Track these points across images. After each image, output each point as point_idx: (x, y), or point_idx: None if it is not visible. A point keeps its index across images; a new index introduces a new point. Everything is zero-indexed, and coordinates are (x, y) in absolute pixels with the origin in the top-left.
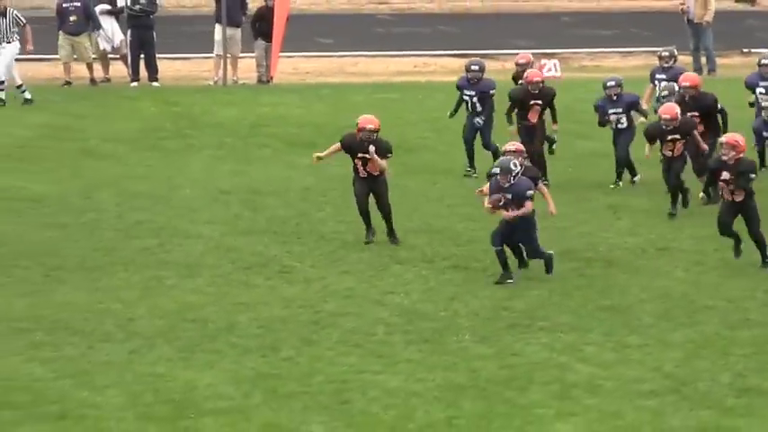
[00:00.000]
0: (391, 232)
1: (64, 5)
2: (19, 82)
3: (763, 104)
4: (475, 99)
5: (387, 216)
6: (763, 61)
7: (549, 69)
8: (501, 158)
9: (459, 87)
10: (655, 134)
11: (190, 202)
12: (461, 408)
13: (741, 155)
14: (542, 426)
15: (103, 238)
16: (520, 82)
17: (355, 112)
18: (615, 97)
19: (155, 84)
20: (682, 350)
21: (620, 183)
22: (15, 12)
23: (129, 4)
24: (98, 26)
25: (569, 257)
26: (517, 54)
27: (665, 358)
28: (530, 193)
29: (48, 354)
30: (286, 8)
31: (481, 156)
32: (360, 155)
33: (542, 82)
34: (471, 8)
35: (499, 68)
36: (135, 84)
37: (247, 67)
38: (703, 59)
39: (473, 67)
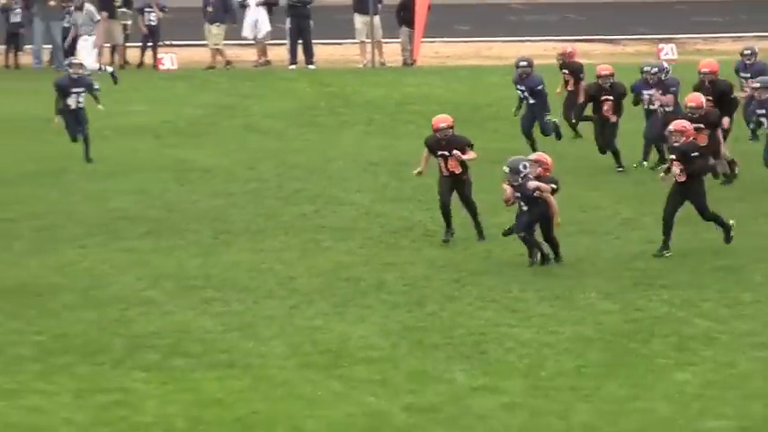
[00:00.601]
0: (478, 228)
1: None
2: (98, 65)
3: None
4: (526, 93)
5: (473, 214)
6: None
7: (665, 53)
8: (512, 158)
9: (515, 83)
10: None
11: (342, 173)
12: (588, 358)
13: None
14: (662, 374)
15: (266, 204)
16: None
17: (490, 91)
18: (651, 81)
19: (311, 66)
20: None
21: (645, 163)
22: (92, 8)
23: None
24: (233, 18)
25: (687, 223)
26: (636, 38)
27: None
28: (536, 193)
29: (217, 309)
30: None
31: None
32: (439, 153)
33: (612, 76)
34: None
35: (620, 51)
36: (293, 66)
37: (393, 52)
38: None
39: (521, 63)
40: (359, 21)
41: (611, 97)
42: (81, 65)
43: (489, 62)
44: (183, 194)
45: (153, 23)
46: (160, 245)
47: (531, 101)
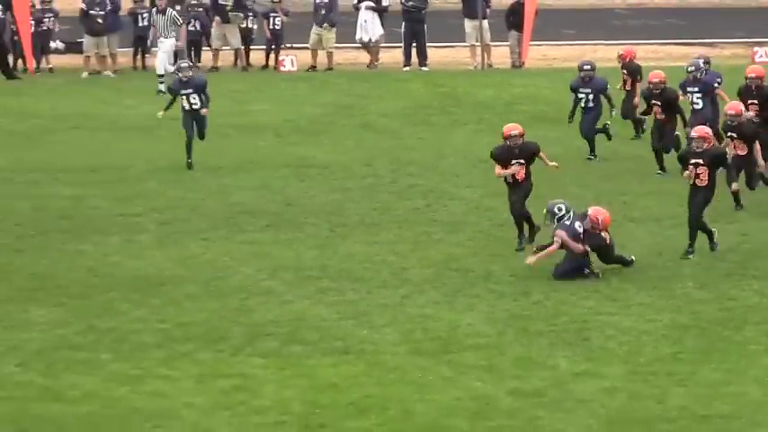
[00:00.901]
0: (531, 233)
1: (317, 1)
2: (161, 72)
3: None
4: (590, 96)
5: (526, 220)
6: (585, 67)
7: (760, 56)
8: (552, 202)
9: (574, 89)
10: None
11: (453, 169)
12: (685, 344)
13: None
14: (754, 360)
15: (380, 199)
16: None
17: None
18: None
19: (424, 68)
20: None
21: None
22: (174, 12)
23: (403, 0)
24: (336, 21)
25: None
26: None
27: None
28: (556, 239)
29: (333, 298)
30: (535, 3)
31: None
32: (513, 162)
33: (663, 83)
34: (695, 3)
35: (717, 53)
36: (407, 68)
37: (502, 54)
38: None
39: (585, 67)
40: (468, 25)
41: (659, 102)
42: (189, 67)
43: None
44: (301, 189)
45: (278, 28)
46: (279, 237)
47: (592, 104)
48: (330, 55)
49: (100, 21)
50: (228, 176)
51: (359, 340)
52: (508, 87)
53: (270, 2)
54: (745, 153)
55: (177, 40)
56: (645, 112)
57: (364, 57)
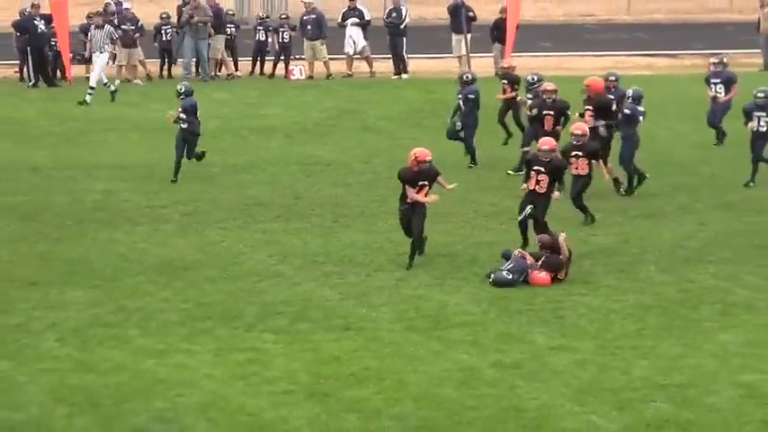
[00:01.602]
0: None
1: (304, 18)
2: (105, 80)
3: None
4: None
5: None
6: (758, 94)
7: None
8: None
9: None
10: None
11: (443, 167)
12: (647, 322)
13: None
14: (709, 335)
15: (378, 193)
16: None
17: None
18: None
19: (404, 76)
20: None
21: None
22: (110, 28)
23: (384, 17)
24: (325, 35)
25: (730, 209)
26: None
27: None
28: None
29: (335, 280)
30: (516, 19)
31: None
32: (535, 168)
33: (555, 92)
34: (659, 19)
35: (679, 64)
36: (396, 77)
37: (486, 64)
38: None
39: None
40: (455, 39)
41: (551, 112)
42: (184, 90)
43: (568, 73)
44: (308, 184)
45: (287, 41)
46: (288, 227)
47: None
48: (327, 64)
49: (130, 34)
50: (243, 173)
51: (359, 318)
52: (491, 94)
53: (279, 18)
54: (586, 173)
55: (108, 54)
56: (533, 120)
57: (362, 67)
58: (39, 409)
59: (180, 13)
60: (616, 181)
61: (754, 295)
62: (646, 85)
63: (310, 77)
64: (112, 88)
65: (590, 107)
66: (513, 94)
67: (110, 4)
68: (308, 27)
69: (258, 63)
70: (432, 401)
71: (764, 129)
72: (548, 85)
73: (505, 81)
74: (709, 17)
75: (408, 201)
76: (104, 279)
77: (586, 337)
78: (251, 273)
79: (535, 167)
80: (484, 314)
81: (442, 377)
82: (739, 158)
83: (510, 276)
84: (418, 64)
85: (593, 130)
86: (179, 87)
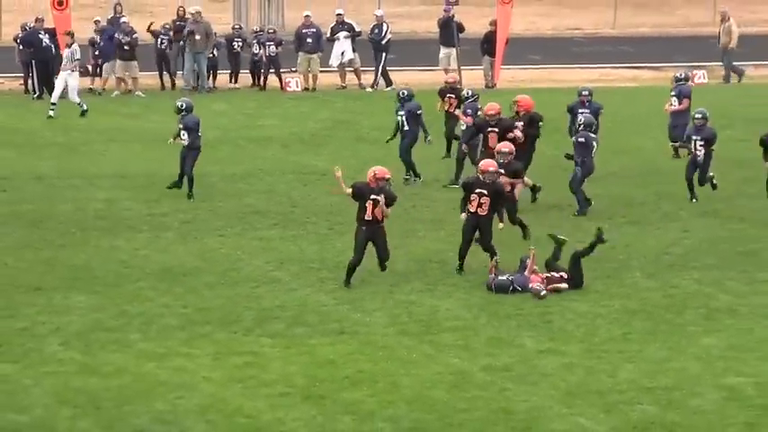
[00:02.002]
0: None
1: (303, 31)
2: (77, 100)
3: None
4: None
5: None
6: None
7: (699, 77)
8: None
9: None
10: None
11: (435, 175)
12: (633, 326)
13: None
14: (693, 339)
15: None
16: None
17: (557, 108)
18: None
19: (388, 88)
20: None
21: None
22: (76, 47)
23: (369, 32)
24: (322, 48)
25: (715, 215)
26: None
27: None
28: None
29: (331, 286)
30: (506, 32)
31: None
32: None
33: (498, 114)
34: (643, 32)
35: (662, 76)
36: (388, 88)
37: (476, 76)
38: None
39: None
40: (443, 51)
41: (496, 129)
42: (184, 107)
43: (556, 85)
44: (304, 193)
45: (273, 54)
46: (285, 234)
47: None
48: (315, 77)
49: (127, 48)
50: (241, 182)
51: (353, 323)
52: (482, 105)
53: (266, 32)
54: (508, 190)
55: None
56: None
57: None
58: (43, 411)
59: (175, 28)
60: (534, 188)
61: (737, 300)
62: (631, 96)
63: (306, 89)
64: (84, 107)
65: (521, 122)
66: (453, 108)
67: (99, 21)
68: (308, 40)
69: (255, 76)
70: (424, 404)
71: (701, 155)
72: (489, 109)
73: (452, 95)
74: (693, 30)
75: (366, 218)
76: (107, 285)
77: (574, 341)
78: (249, 279)
79: (477, 190)
80: (474, 319)
81: (433, 380)
82: (722, 168)
83: (510, 284)
84: (409, 77)
85: (521, 145)
86: (179, 104)
